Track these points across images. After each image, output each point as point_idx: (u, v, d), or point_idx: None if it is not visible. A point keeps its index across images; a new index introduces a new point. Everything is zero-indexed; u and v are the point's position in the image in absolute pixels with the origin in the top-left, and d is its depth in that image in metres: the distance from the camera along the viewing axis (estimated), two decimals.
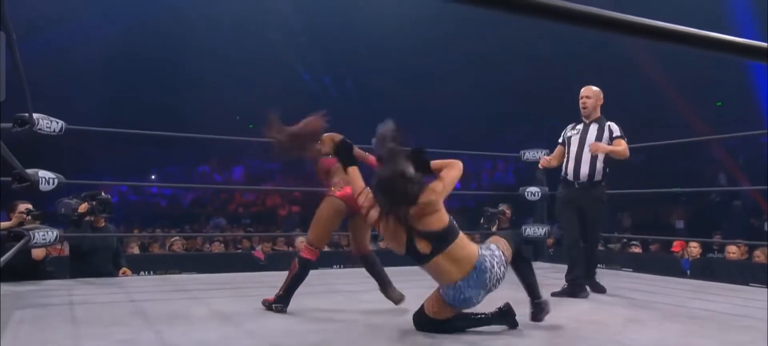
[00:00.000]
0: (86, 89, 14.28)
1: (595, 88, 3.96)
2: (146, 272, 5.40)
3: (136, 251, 6.91)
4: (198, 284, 4.19)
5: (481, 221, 6.11)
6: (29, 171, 3.82)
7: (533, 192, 5.70)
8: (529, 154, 5.78)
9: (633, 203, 11.73)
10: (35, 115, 3.83)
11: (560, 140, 4.09)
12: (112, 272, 4.55)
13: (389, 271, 3.40)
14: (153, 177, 16.25)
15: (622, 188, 5.33)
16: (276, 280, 4.45)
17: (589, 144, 3.80)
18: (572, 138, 3.94)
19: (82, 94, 13.81)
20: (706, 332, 2.74)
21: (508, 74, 15.43)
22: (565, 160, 3.97)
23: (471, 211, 12.56)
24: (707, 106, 12.81)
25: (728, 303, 3.53)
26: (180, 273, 5.34)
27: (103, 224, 4.59)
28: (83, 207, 4.35)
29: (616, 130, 3.85)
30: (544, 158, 4.21)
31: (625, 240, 7.61)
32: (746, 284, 4.51)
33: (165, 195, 16.16)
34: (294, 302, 3.48)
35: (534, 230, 5.69)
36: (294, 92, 16.05)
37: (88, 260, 4.43)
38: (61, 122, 4.11)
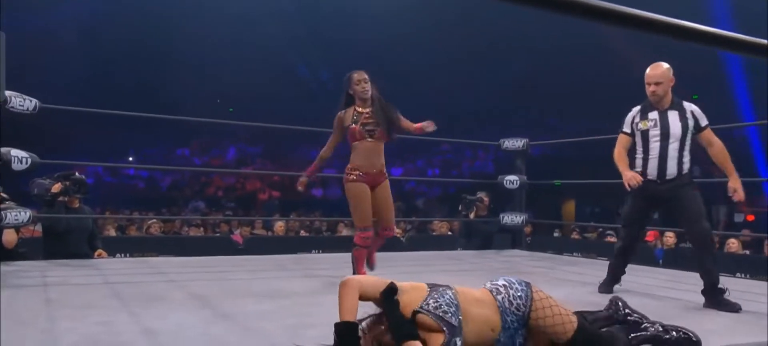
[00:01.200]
0: (65, 68, 14.01)
1: (664, 66, 3.32)
2: (122, 255, 5.34)
3: (112, 233, 6.83)
4: (175, 267, 4.15)
5: (460, 208, 6.16)
6: (1, 150, 3.74)
7: (512, 180, 5.75)
8: (508, 143, 5.82)
9: (608, 193, 11.93)
10: (7, 93, 3.74)
11: (626, 130, 3.48)
12: (88, 254, 4.50)
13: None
14: (130, 159, 16.02)
15: (601, 177, 5.41)
16: (254, 264, 4.46)
17: (734, 196, 3.25)
18: (650, 132, 3.35)
19: (61, 72, 13.54)
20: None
21: (505, 65, 15.48)
22: (640, 155, 3.40)
23: (452, 198, 12.67)
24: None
25: (697, 293, 3.61)
26: (157, 256, 5.29)
27: (78, 205, 4.52)
28: (57, 187, 4.27)
29: (702, 117, 3.32)
30: (632, 174, 3.35)
31: (600, 229, 7.75)
32: None
33: (142, 177, 15.97)
34: (272, 286, 3.48)
35: (512, 219, 5.75)
36: (280, 77, 15.95)
37: (63, 241, 4.36)
38: (34, 100, 4.03)
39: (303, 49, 16.74)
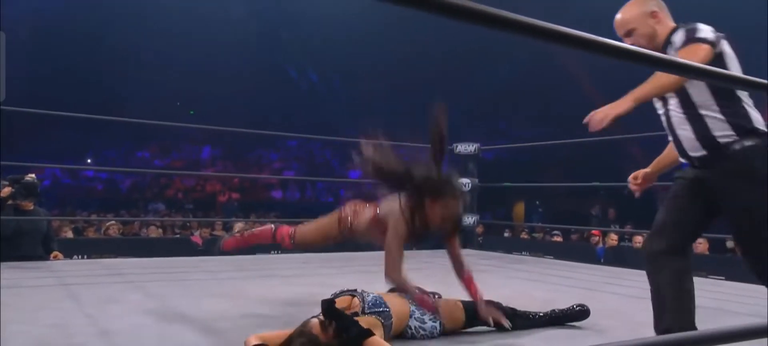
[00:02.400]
0: (20, 66, 13.63)
1: (633, 7, 2.12)
2: (80, 257, 5.30)
3: (69, 235, 6.76)
4: (133, 268, 4.14)
5: None
6: None
7: (464, 183, 5.94)
8: (460, 148, 6.02)
9: (555, 195, 12.39)
10: None
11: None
12: (42, 256, 4.45)
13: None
14: (89, 161, 15.70)
15: (546, 180, 5.66)
16: (213, 265, 4.50)
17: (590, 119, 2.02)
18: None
19: (15, 71, 13.18)
20: (610, 313, 2.99)
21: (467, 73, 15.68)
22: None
23: None
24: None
25: (635, 287, 3.84)
26: (115, 258, 5.27)
27: (32, 208, 4.48)
28: (5, 191, 4.24)
29: (679, 39, 2.00)
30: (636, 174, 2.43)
31: (547, 229, 8.08)
32: None
33: (102, 179, 15.68)
34: (230, 286, 3.54)
35: (464, 219, 5.96)
36: (241, 77, 15.83)
37: (14, 244, 4.29)
38: None
39: (267, 50, 16.66)
